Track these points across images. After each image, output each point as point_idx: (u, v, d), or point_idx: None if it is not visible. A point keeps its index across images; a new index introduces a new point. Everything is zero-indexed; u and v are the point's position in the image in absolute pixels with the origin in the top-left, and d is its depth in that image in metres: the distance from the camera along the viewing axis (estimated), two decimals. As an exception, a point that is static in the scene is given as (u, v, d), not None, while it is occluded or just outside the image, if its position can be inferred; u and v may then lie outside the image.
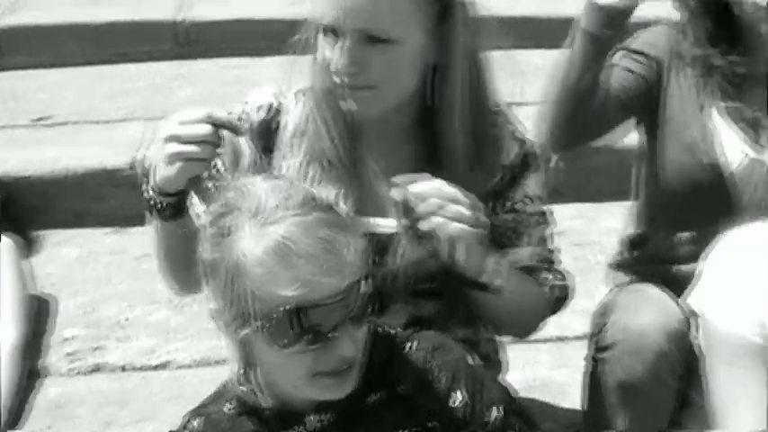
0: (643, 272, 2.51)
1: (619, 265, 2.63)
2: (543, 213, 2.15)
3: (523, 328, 2.21)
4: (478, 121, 2.04)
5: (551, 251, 2.19)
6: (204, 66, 5.29)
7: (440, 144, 2.02)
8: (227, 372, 1.83)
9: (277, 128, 2.09)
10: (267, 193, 1.66)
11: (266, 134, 2.09)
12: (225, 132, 1.88)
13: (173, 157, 1.85)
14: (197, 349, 3.22)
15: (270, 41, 5.36)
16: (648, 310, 2.23)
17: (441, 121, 2.01)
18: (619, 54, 2.42)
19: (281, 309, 1.59)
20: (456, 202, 1.84)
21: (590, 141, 2.46)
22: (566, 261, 3.53)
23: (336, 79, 1.94)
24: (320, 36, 1.96)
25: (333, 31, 1.92)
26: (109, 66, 5.33)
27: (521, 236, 2.11)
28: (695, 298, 2.13)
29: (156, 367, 3.18)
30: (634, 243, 2.59)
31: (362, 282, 1.65)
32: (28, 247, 3.66)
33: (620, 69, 2.41)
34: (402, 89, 1.99)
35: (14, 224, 3.66)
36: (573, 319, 3.09)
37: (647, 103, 2.43)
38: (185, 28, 5.50)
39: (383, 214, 2.00)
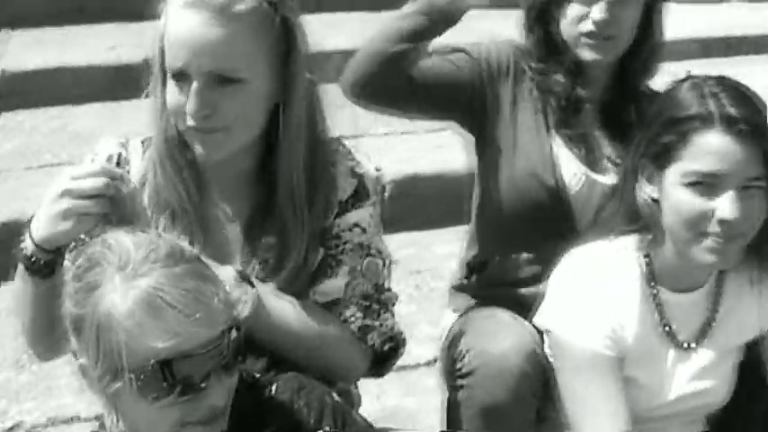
0: (485, 295, 2.56)
1: (461, 289, 2.66)
2: (372, 247, 2.11)
3: (336, 370, 2.09)
4: (316, 159, 2.05)
5: (378, 288, 2.13)
6: (23, 117, 5.15)
7: (278, 184, 2.02)
8: (81, 429, 1.80)
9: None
10: (134, 247, 1.64)
11: None
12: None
13: (66, 213, 1.81)
14: (48, 407, 3.10)
15: (88, 89, 5.34)
16: (505, 335, 2.26)
17: (280, 162, 2.01)
18: (458, 55, 2.48)
19: (153, 361, 1.58)
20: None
21: (393, 101, 2.47)
22: (404, 289, 3.65)
23: (189, 123, 1.91)
24: (168, 81, 1.93)
25: (181, 75, 1.90)
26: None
27: (340, 264, 2.08)
28: (543, 316, 2.20)
29: (11, 429, 3.08)
30: (474, 266, 2.63)
31: (232, 330, 1.65)
32: None
33: (451, 63, 2.46)
34: (251, 130, 1.98)
35: None
36: (418, 347, 3.16)
37: (473, 111, 2.49)
38: (4, 78, 5.33)
39: (231, 258, 2.00)
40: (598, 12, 2.35)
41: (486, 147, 2.52)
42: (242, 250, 2.04)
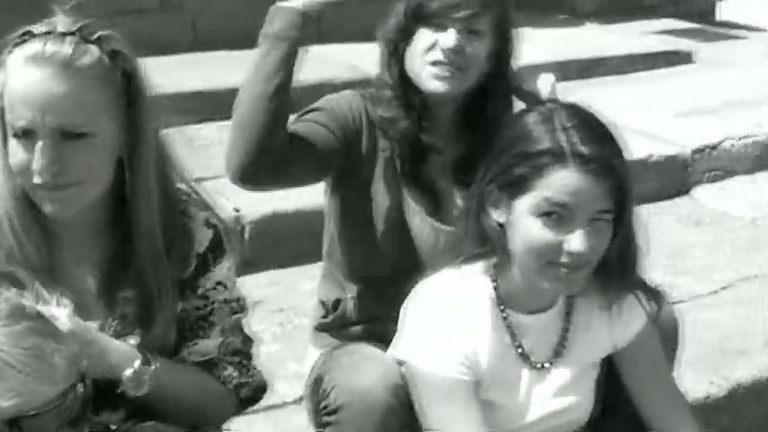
0: (344, 333, 2.59)
1: (322, 328, 2.67)
2: (237, 300, 2.14)
3: (208, 420, 2.13)
4: (169, 209, 2.04)
5: (245, 341, 2.18)
6: None
7: (132, 237, 2.00)
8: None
9: None
10: None
11: None
12: None
13: None
14: None
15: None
16: (368, 369, 2.27)
17: (134, 214, 1.99)
18: (314, 114, 2.48)
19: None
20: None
21: (281, 177, 2.43)
22: (268, 328, 3.65)
23: (36, 181, 1.87)
24: (10, 140, 1.89)
25: (26, 133, 1.86)
26: None
27: (212, 325, 2.10)
28: (399, 347, 2.23)
29: None
30: (330, 305, 2.64)
31: (78, 385, 1.64)
32: None
33: (313, 123, 2.45)
34: (101, 183, 1.96)
35: None
36: (285, 385, 3.16)
37: (344, 167, 2.49)
38: None
39: (87, 314, 1.96)
40: (448, 39, 2.37)
41: (342, 197, 2.55)
42: (98, 305, 2.01)
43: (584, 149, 2.02)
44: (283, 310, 3.71)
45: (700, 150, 5.25)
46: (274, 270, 4.01)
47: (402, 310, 2.24)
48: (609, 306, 2.25)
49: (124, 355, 1.93)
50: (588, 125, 2.08)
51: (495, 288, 2.19)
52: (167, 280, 2.00)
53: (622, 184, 2.05)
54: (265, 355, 3.39)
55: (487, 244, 2.15)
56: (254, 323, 3.62)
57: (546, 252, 2.04)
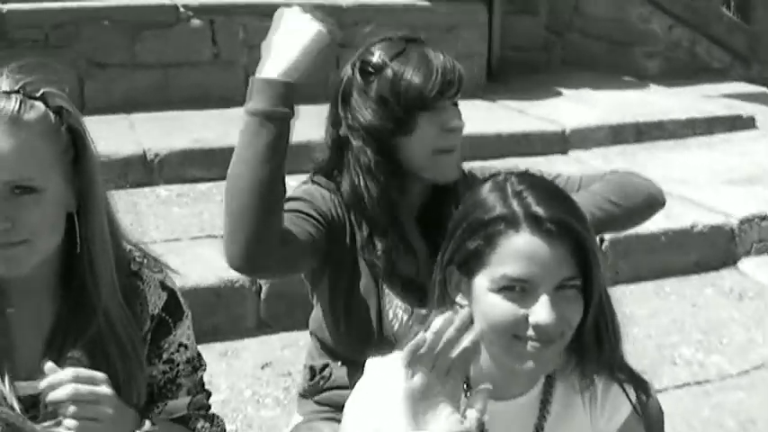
0: (326, 400, 2.54)
1: (306, 394, 2.62)
2: (197, 357, 2.15)
3: None
4: (120, 269, 2.01)
5: (206, 395, 2.19)
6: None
7: (84, 295, 1.96)
8: None
9: None
10: None
11: None
12: None
13: None
14: None
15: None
16: None
17: (85, 271, 1.96)
18: (299, 204, 2.38)
19: None
20: (90, 382, 1.83)
21: (281, 265, 2.32)
22: (272, 392, 3.60)
23: None
24: None
25: None
26: None
27: (180, 387, 2.11)
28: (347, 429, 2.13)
29: None
30: (319, 369, 2.59)
31: None
32: None
33: (297, 212, 2.34)
34: (52, 240, 1.93)
35: None
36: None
37: (328, 252, 2.40)
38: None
39: (33, 374, 1.91)
40: (459, 123, 2.37)
41: (328, 285, 2.47)
42: (43, 364, 1.97)
43: (537, 210, 1.89)
44: (291, 374, 3.66)
45: (748, 220, 5.11)
46: (287, 332, 3.97)
47: (354, 388, 2.10)
48: (588, 388, 2.10)
49: (135, 418, 1.94)
50: (542, 187, 1.97)
51: None
52: (132, 338, 1.98)
53: (585, 247, 1.91)
54: (263, 420, 3.37)
55: None
56: (260, 386, 3.64)
57: (510, 327, 1.90)
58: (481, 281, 1.94)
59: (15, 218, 1.84)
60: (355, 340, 2.44)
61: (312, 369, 2.60)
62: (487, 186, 2.00)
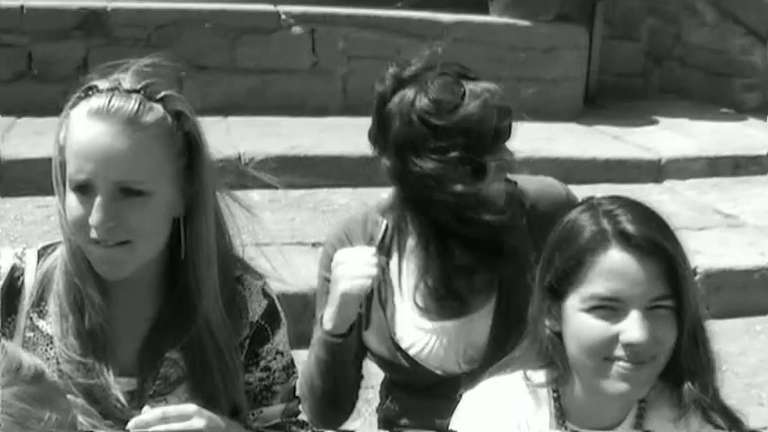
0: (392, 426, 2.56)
1: (379, 413, 2.68)
2: (290, 364, 2.15)
3: None
4: (224, 275, 2.02)
5: (297, 401, 2.20)
6: (11, 204, 5.20)
7: (186, 299, 1.98)
8: None
9: (21, 288, 2.00)
10: None
11: (10, 296, 2.00)
12: None
13: None
14: None
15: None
16: None
17: (189, 275, 1.98)
18: None
19: None
20: (179, 419, 1.85)
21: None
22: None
23: (92, 236, 1.86)
24: (69, 193, 1.88)
25: (85, 187, 1.86)
26: None
27: (275, 394, 2.11)
28: None
29: None
30: (388, 391, 2.63)
31: None
32: None
33: None
34: (155, 244, 1.95)
35: None
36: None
37: None
38: (-6, 165, 5.42)
39: (127, 373, 1.97)
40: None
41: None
42: (140, 364, 2.00)
43: (627, 227, 1.89)
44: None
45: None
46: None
47: (460, 406, 2.12)
48: (682, 419, 2.06)
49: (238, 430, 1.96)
50: (634, 207, 1.95)
51: (556, 399, 2.04)
52: (229, 345, 2.00)
53: (676, 267, 1.89)
54: (338, 431, 3.36)
55: (547, 356, 2.02)
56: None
57: (601, 347, 1.88)
58: (572, 302, 1.93)
59: (120, 218, 1.86)
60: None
61: (381, 392, 2.67)
62: (579, 208, 2.01)
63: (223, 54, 6.50)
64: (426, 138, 2.22)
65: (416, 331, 2.41)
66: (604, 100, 7.68)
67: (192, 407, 1.86)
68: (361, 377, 2.52)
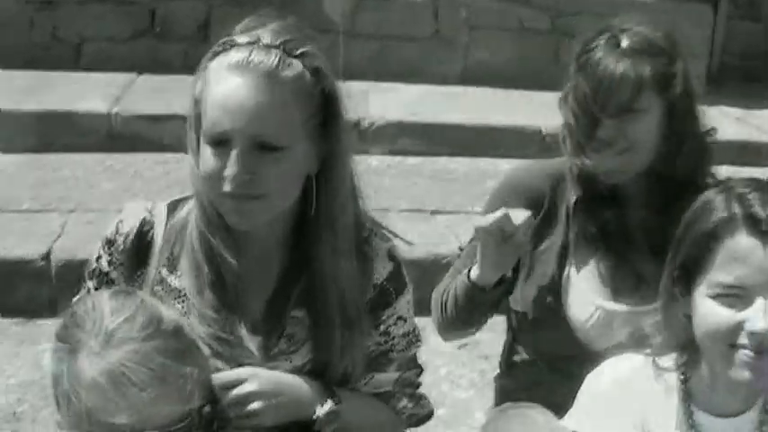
0: (517, 396, 2.50)
1: (500, 381, 2.63)
2: (413, 331, 2.12)
3: None
4: (357, 235, 2.02)
5: (418, 372, 2.17)
6: (131, 159, 5.27)
7: (313, 257, 1.98)
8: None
9: (150, 242, 2.03)
10: (111, 314, 1.63)
11: (139, 250, 2.02)
12: None
13: None
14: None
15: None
16: None
17: (319, 233, 1.97)
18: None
19: None
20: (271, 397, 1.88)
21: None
22: (467, 374, 3.57)
23: (226, 189, 1.86)
24: (204, 146, 1.89)
25: (221, 141, 1.86)
26: (36, 155, 5.30)
27: (391, 361, 2.09)
28: (573, 418, 2.10)
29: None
30: (508, 364, 2.59)
31: (203, 408, 1.62)
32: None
33: None
34: (287, 199, 1.94)
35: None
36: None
37: None
38: (117, 121, 5.50)
39: (253, 329, 1.98)
40: (605, 130, 2.25)
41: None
42: (266, 321, 2.00)
43: (757, 211, 1.82)
44: (488, 358, 3.63)
45: None
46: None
47: (585, 384, 2.10)
48: None
49: (315, 395, 1.95)
50: None
51: (684, 382, 2.00)
52: (357, 306, 1.98)
53: None
54: (456, 401, 3.35)
55: (679, 340, 1.98)
56: (456, 366, 3.62)
57: (725, 334, 1.84)
58: (699, 287, 1.89)
59: (255, 172, 1.85)
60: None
61: (506, 361, 2.62)
62: (714, 190, 1.95)
63: (345, 19, 6.49)
64: None
65: (587, 302, 2.38)
66: (727, 81, 7.49)
67: (247, 370, 1.89)
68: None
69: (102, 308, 1.65)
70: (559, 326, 2.37)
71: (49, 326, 3.43)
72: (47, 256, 4.12)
